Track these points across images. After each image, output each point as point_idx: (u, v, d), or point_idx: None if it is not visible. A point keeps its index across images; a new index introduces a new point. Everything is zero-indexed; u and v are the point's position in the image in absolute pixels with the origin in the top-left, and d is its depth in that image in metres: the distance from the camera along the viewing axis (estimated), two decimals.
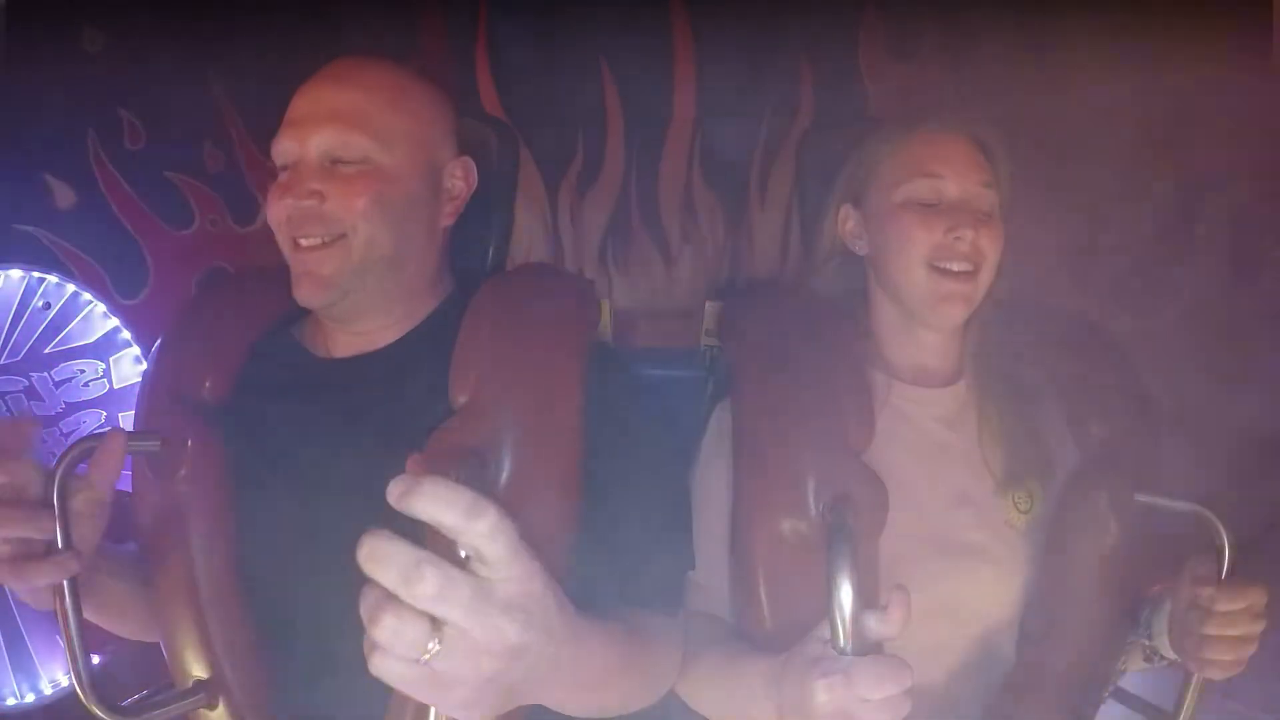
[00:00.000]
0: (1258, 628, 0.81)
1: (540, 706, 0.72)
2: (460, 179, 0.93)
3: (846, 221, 1.00)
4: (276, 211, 0.86)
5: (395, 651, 0.50)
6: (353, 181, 0.83)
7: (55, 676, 1.71)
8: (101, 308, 1.77)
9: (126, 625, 0.91)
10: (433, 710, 0.57)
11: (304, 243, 0.84)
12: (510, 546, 0.51)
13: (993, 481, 0.93)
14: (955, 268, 0.91)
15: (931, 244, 0.91)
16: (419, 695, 0.54)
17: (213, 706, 0.82)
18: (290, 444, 0.85)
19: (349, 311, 0.89)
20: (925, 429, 0.95)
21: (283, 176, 0.87)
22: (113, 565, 0.87)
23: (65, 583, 0.75)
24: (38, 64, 1.78)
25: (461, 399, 0.78)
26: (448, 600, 0.49)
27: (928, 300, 0.92)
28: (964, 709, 0.92)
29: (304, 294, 0.85)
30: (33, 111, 1.79)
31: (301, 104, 0.87)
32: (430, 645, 0.50)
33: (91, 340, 1.75)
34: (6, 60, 1.73)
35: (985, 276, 0.92)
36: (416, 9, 1.86)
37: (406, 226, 0.87)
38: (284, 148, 0.86)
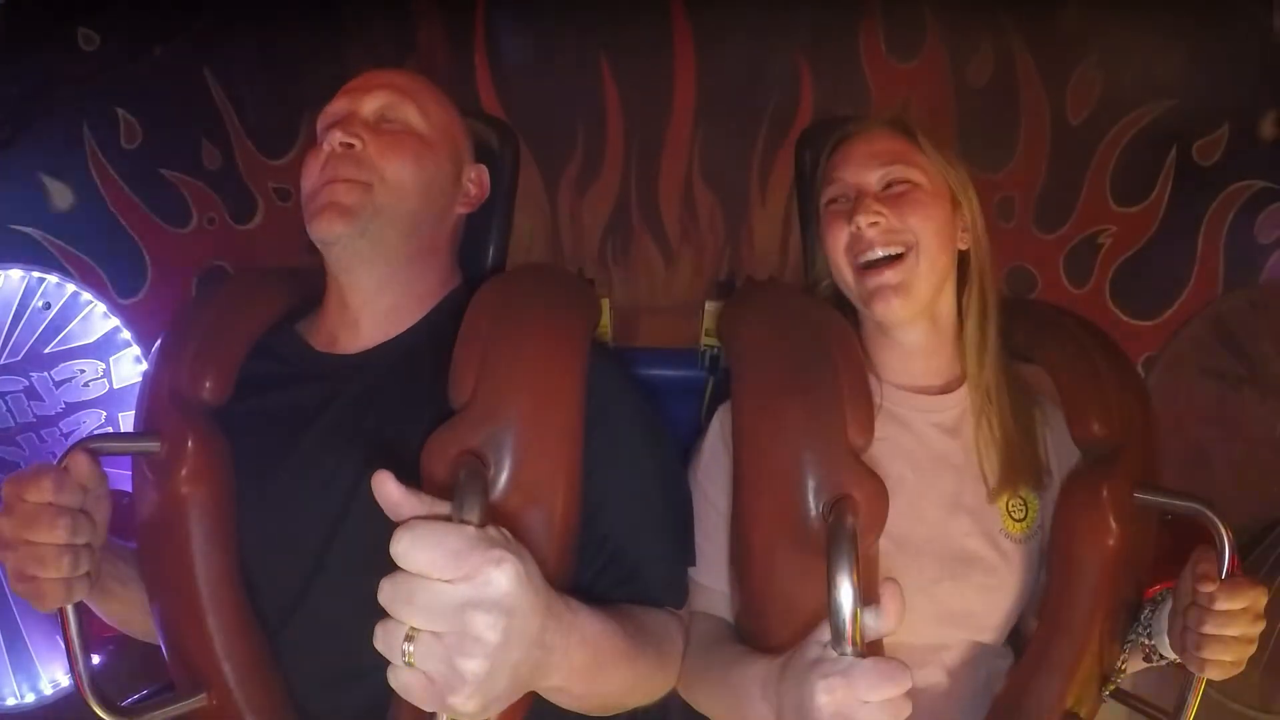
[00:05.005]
0: (1257, 628, 0.82)
1: (544, 703, 0.73)
2: (474, 182, 0.98)
3: None
4: (313, 158, 0.89)
5: (388, 657, 0.55)
6: (394, 136, 0.89)
7: (55, 676, 1.71)
8: (101, 308, 1.77)
9: (135, 623, 0.91)
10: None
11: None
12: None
13: (986, 489, 0.93)
14: (877, 255, 0.91)
15: (845, 242, 0.93)
16: (426, 705, 0.55)
17: (213, 706, 0.82)
18: (292, 441, 0.85)
19: (361, 268, 0.89)
20: (923, 436, 0.95)
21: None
22: (121, 564, 0.87)
23: None
24: (34, 64, 1.77)
25: (461, 399, 0.77)
26: (410, 606, 0.54)
27: (864, 300, 0.93)
28: (964, 710, 0.92)
29: (323, 224, 0.85)
30: (29, 112, 1.79)
31: (355, 80, 0.94)
32: (405, 648, 0.54)
33: (91, 340, 1.75)
34: (3, 61, 1.72)
35: (923, 258, 0.91)
36: (416, 8, 1.85)
37: (431, 191, 0.91)
38: (335, 108, 0.92)
